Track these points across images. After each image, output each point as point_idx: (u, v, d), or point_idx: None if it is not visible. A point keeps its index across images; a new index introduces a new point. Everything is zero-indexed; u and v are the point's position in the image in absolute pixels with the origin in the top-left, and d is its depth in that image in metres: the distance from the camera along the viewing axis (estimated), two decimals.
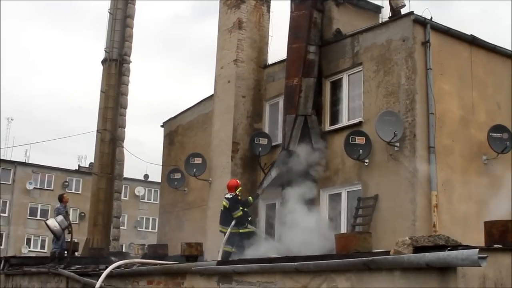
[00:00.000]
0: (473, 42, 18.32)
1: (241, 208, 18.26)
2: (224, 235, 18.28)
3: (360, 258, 7.62)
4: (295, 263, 8.55)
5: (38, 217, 62.36)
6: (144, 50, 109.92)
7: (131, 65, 30.56)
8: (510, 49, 19.26)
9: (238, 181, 19.16)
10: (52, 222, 20.06)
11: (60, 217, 19.92)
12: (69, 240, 20.32)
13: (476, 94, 18.08)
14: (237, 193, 18.45)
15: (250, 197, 19.02)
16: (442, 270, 6.65)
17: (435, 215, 16.06)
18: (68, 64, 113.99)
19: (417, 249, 7.08)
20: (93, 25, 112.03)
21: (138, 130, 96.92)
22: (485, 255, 6.13)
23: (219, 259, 16.72)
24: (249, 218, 18.63)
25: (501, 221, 8.09)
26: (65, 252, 20.27)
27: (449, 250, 6.63)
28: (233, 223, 18.13)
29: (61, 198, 21.35)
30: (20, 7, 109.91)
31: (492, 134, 17.38)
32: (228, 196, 18.47)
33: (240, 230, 18.21)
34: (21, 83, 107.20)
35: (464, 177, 17.24)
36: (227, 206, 18.26)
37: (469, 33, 18.27)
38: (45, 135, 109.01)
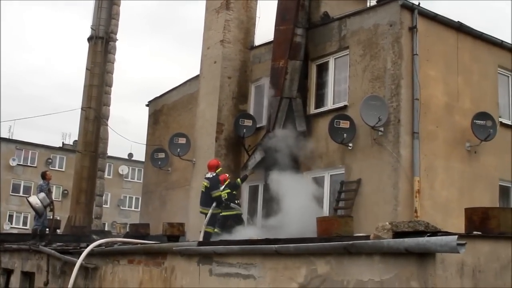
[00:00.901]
0: (460, 28, 18.32)
1: (228, 190, 18.30)
2: (205, 216, 18.32)
3: (340, 242, 7.64)
4: (275, 246, 8.55)
5: (21, 194, 62.11)
6: (132, 29, 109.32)
7: (117, 43, 30.39)
8: (499, 38, 19.27)
9: (219, 161, 19.20)
10: (34, 199, 19.96)
11: (42, 194, 19.82)
12: (50, 217, 20.27)
13: (462, 81, 18.11)
14: (217, 172, 18.52)
15: (238, 179, 19.05)
16: (421, 256, 6.68)
17: (417, 200, 16.12)
18: (56, 40, 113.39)
19: (397, 234, 7.10)
20: (82, 2, 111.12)
21: (124, 109, 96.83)
22: (464, 242, 6.15)
23: (201, 239, 16.75)
24: (237, 202, 18.68)
25: (481, 208, 8.11)
26: (47, 229, 20.23)
27: (428, 236, 6.65)
28: (214, 204, 18.16)
29: (44, 175, 21.25)
30: None
31: (476, 121, 17.43)
32: (209, 175, 18.51)
33: (226, 213, 18.24)
34: (7, 58, 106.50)
35: (447, 164, 17.30)
36: (208, 186, 18.28)
37: (456, 20, 18.28)
38: (30, 111, 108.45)
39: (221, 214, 18.34)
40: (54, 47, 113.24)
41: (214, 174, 18.51)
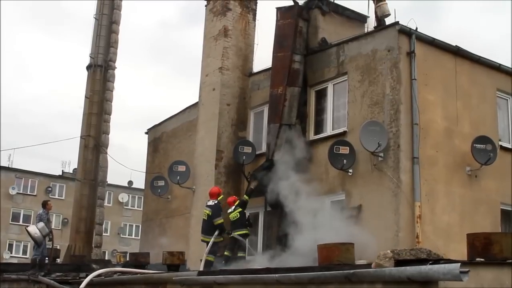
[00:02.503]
0: (457, 53, 18.35)
1: (239, 209, 18.31)
2: (206, 244, 18.22)
3: (341, 271, 7.57)
4: (277, 275, 8.49)
5: (21, 223, 61.95)
6: (132, 56, 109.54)
7: (117, 71, 30.40)
8: (497, 61, 19.28)
9: (220, 189, 19.16)
10: (33, 229, 19.89)
11: (41, 224, 19.76)
12: (50, 247, 20.17)
13: (461, 105, 18.10)
14: (219, 200, 18.47)
15: (245, 196, 19.01)
16: (424, 284, 6.61)
17: (418, 226, 16.03)
18: (55, 68, 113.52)
19: (399, 263, 7.04)
20: (82, 30, 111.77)
21: (124, 136, 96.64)
22: (467, 270, 6.09)
23: (201, 269, 16.64)
24: (248, 222, 18.71)
25: (483, 234, 8.06)
26: (46, 259, 20.12)
27: (430, 264, 6.58)
28: (216, 232, 18.08)
29: (44, 205, 21.23)
30: (9, 11, 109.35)
31: (476, 145, 17.39)
32: (210, 203, 18.44)
33: (238, 233, 18.22)
34: (9, 87, 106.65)
35: (448, 188, 17.23)
36: (210, 213, 18.21)
37: (454, 44, 18.30)
38: (30, 140, 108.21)
39: (232, 235, 18.27)
40: (54, 74, 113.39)
41: (216, 202, 18.44)
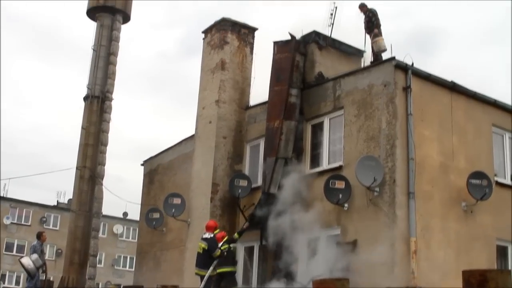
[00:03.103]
0: (453, 88, 18.43)
1: (226, 246, 18.17)
2: (200, 278, 18.12)
3: None
4: None
5: (14, 253, 61.72)
6: (129, 87, 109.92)
7: (114, 101, 30.51)
8: (492, 96, 19.36)
9: (217, 222, 19.09)
10: (27, 261, 19.82)
11: (35, 256, 19.69)
12: (43, 279, 20.07)
13: (456, 140, 18.14)
14: (215, 234, 18.37)
15: (236, 234, 18.91)
16: None
17: (413, 261, 15.97)
18: (54, 98, 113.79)
19: None
20: (81, 60, 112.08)
21: (120, 167, 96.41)
22: None
23: None
24: (234, 259, 18.59)
25: (479, 270, 8.00)
26: None
27: None
28: (212, 266, 17.95)
29: (39, 236, 21.20)
30: (8, 40, 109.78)
31: (472, 180, 17.38)
32: (207, 236, 18.32)
33: (224, 270, 18.09)
34: (7, 115, 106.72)
35: (443, 224, 17.21)
36: (206, 247, 18.10)
37: (450, 79, 18.39)
38: (26, 169, 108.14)
39: (217, 271, 18.14)
40: (52, 104, 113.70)
41: (212, 235, 18.35)
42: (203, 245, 18.20)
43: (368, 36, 20.60)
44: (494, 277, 7.71)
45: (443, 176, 17.62)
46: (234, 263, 18.61)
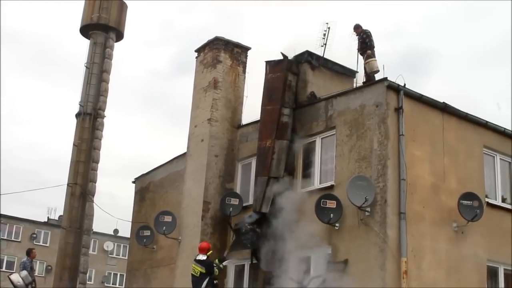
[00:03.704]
0: (445, 109, 18.51)
1: (217, 261, 18.15)
2: None
3: None
4: None
5: (4, 269, 61.35)
6: (121, 104, 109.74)
7: (106, 119, 30.52)
8: (483, 118, 19.44)
9: (210, 244, 18.99)
10: (16, 277, 19.77)
11: (25, 272, 19.64)
12: None
13: (448, 161, 18.21)
14: (208, 255, 18.26)
15: (221, 266, 18.63)
16: None
17: (404, 281, 16.00)
18: (47, 114, 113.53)
19: None
20: (74, 77, 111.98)
21: (111, 184, 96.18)
22: None
23: None
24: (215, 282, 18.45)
25: None
26: None
27: None
28: (204, 283, 17.83)
29: (29, 253, 21.18)
30: (2, 57, 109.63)
31: (463, 201, 17.44)
32: (201, 258, 18.13)
33: None
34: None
35: (434, 244, 17.23)
36: (204, 271, 17.89)
37: (441, 101, 18.47)
38: (17, 185, 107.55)
39: None
40: (45, 120, 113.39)
41: (206, 257, 18.20)
42: (200, 268, 17.93)
43: (361, 57, 20.71)
44: None
45: (434, 196, 17.67)
46: (214, 286, 18.40)
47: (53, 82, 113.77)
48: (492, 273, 18.55)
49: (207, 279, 17.84)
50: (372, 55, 20.12)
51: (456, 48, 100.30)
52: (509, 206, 19.67)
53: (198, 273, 17.97)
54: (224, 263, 18.85)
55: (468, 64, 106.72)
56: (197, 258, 18.26)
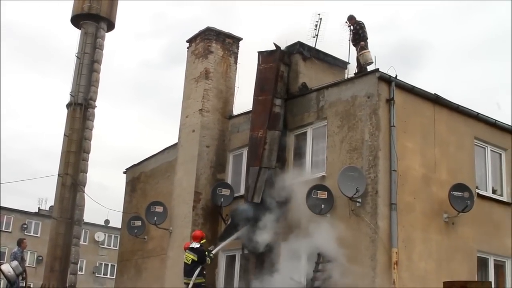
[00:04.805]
0: (436, 100, 18.53)
1: (211, 252, 18.15)
2: (186, 286, 18.05)
3: None
4: None
5: None
6: (112, 96, 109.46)
7: (97, 109, 30.37)
8: (475, 110, 19.48)
9: (203, 232, 18.98)
10: (6, 267, 19.73)
11: (15, 263, 19.60)
12: (23, 286, 19.97)
13: (438, 153, 18.25)
14: (202, 243, 18.25)
15: (211, 255, 18.62)
16: None
17: (395, 272, 16.04)
18: (36, 105, 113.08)
19: None
20: (65, 68, 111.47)
21: (102, 175, 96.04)
22: None
23: None
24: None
25: (460, 282, 8.10)
26: None
27: None
28: (196, 272, 17.82)
29: (20, 243, 21.13)
30: None
31: (454, 192, 17.49)
32: (195, 246, 18.12)
33: (198, 281, 17.98)
34: None
35: (425, 235, 17.29)
36: (196, 259, 17.90)
37: (433, 92, 18.49)
38: (8, 176, 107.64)
39: (196, 282, 18.02)
40: (36, 111, 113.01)
41: (199, 245, 18.19)
42: (192, 256, 17.95)
43: (353, 48, 20.68)
44: None
45: (425, 187, 17.72)
46: (204, 275, 18.39)
47: (44, 73, 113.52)
48: (482, 264, 18.65)
49: (199, 268, 17.84)
50: (366, 47, 20.10)
51: (449, 41, 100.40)
52: (499, 198, 19.77)
53: (190, 260, 17.95)
54: (213, 252, 18.84)
55: (461, 57, 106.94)
56: (190, 246, 18.27)
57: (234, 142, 22.24)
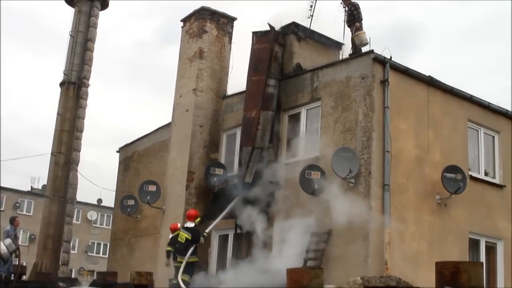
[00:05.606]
0: (430, 82, 18.54)
1: (191, 236, 18.14)
2: (175, 267, 18.13)
3: None
4: None
5: None
6: (106, 75, 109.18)
7: (91, 89, 30.34)
8: (468, 92, 19.49)
9: (198, 211, 19.03)
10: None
11: (8, 240, 19.54)
12: (16, 263, 19.95)
13: (432, 134, 18.28)
14: (196, 223, 18.30)
15: (202, 238, 18.66)
16: None
17: (387, 252, 16.11)
18: (29, 84, 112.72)
19: None
20: (58, 47, 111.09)
21: (95, 154, 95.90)
22: None
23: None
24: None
25: (452, 262, 8.08)
26: (12, 276, 19.88)
27: None
28: (189, 252, 17.88)
29: (12, 221, 21.08)
30: None
31: (446, 174, 17.54)
32: (189, 225, 18.18)
33: (192, 259, 18.07)
34: None
35: (417, 216, 17.36)
36: (190, 238, 17.96)
37: (427, 74, 18.50)
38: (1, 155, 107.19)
39: (189, 261, 18.09)
40: (27, 90, 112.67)
41: (193, 225, 18.25)
42: (186, 235, 18.02)
43: (347, 29, 20.63)
44: (466, 269, 7.80)
45: (418, 169, 17.76)
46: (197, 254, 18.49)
47: (37, 52, 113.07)
48: (473, 245, 18.74)
49: (192, 247, 17.90)
50: (361, 28, 20.05)
51: (444, 23, 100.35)
52: (491, 180, 19.84)
53: (184, 239, 18.03)
54: (207, 231, 18.92)
55: (455, 40, 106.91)
56: (185, 225, 18.33)
57: (228, 122, 22.24)
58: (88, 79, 30.26)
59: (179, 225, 19.43)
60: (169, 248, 19.33)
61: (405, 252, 16.81)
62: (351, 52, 19.77)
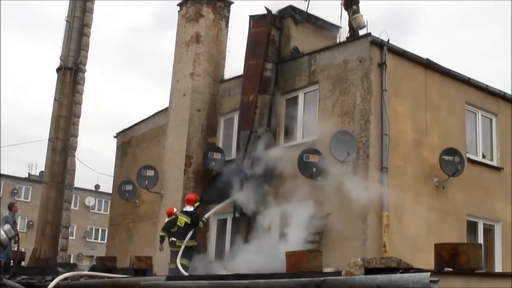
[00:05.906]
0: (428, 65, 18.52)
1: (190, 220, 18.19)
2: (172, 251, 18.18)
3: (311, 278, 7.58)
4: (246, 281, 8.48)
5: None
6: (103, 60, 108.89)
7: (88, 74, 30.17)
8: (466, 75, 19.47)
9: (197, 196, 19.06)
10: None
11: (7, 226, 19.49)
12: (15, 249, 19.97)
13: (430, 117, 18.27)
14: (195, 207, 18.36)
15: (200, 223, 18.76)
16: None
17: (385, 235, 16.16)
18: (25, 70, 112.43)
19: (369, 271, 7.07)
20: (54, 33, 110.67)
21: (93, 140, 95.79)
22: (437, 279, 6.14)
23: (182, 272, 16.64)
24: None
25: (451, 244, 8.10)
26: (11, 262, 19.90)
27: (400, 272, 6.63)
28: (188, 236, 17.94)
29: (10, 207, 21.09)
30: None
31: (444, 157, 17.56)
32: (188, 209, 18.25)
33: (191, 244, 18.14)
34: None
35: (415, 199, 17.38)
36: (189, 222, 18.04)
37: (425, 57, 18.47)
38: None
39: (188, 245, 18.15)
40: (23, 76, 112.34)
41: (193, 209, 18.30)
42: (185, 219, 18.12)
43: (345, 12, 20.56)
44: (465, 251, 7.82)
45: (416, 152, 17.78)
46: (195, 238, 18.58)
47: (33, 38, 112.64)
48: (471, 228, 18.80)
49: (191, 231, 17.96)
50: (358, 11, 19.98)
51: (441, 6, 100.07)
52: (489, 162, 19.87)
53: (183, 223, 18.10)
54: (206, 216, 18.98)
55: (453, 23, 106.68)
56: (184, 209, 18.38)
57: (225, 106, 22.21)
58: (84, 65, 30.12)
59: (175, 209, 19.48)
60: (162, 233, 19.39)
61: (404, 234, 16.84)
62: (348, 35, 19.71)
